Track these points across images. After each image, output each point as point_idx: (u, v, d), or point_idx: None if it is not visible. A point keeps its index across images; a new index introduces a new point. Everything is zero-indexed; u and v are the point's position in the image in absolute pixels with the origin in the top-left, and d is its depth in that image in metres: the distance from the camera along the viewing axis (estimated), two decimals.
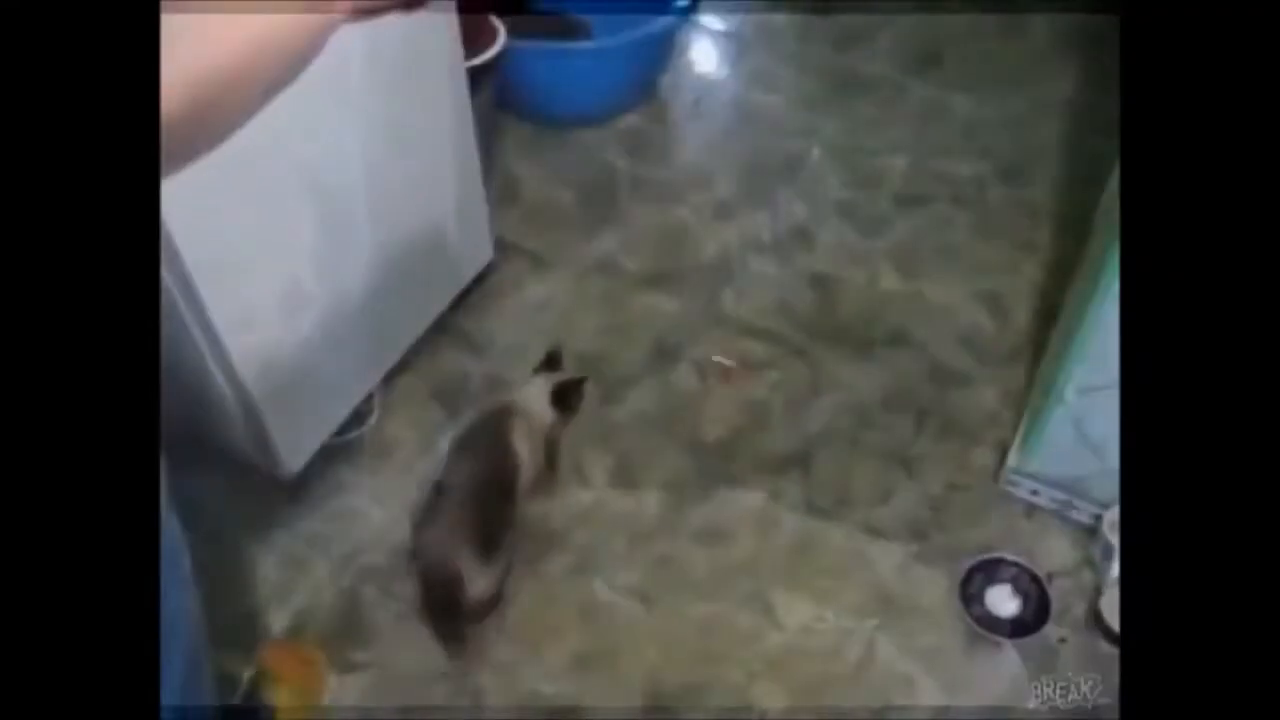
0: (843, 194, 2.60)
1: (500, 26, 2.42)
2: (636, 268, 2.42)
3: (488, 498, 1.81)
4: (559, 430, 1.97)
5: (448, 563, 1.74)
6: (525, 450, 1.88)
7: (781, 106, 2.88)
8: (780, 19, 3.19)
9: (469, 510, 1.78)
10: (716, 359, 2.26)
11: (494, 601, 1.85)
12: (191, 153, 0.67)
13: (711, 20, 3.17)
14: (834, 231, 2.50)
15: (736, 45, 3.12)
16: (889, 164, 2.67)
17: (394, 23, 1.59)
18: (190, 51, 0.64)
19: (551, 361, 2.02)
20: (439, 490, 1.82)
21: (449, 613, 1.78)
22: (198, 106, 0.64)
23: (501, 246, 2.38)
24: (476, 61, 2.28)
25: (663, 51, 2.82)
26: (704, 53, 3.09)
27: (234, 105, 0.68)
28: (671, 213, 2.54)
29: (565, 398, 1.94)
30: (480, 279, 2.33)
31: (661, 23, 2.61)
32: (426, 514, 1.82)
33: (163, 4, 0.61)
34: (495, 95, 2.58)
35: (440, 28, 1.93)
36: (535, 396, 1.94)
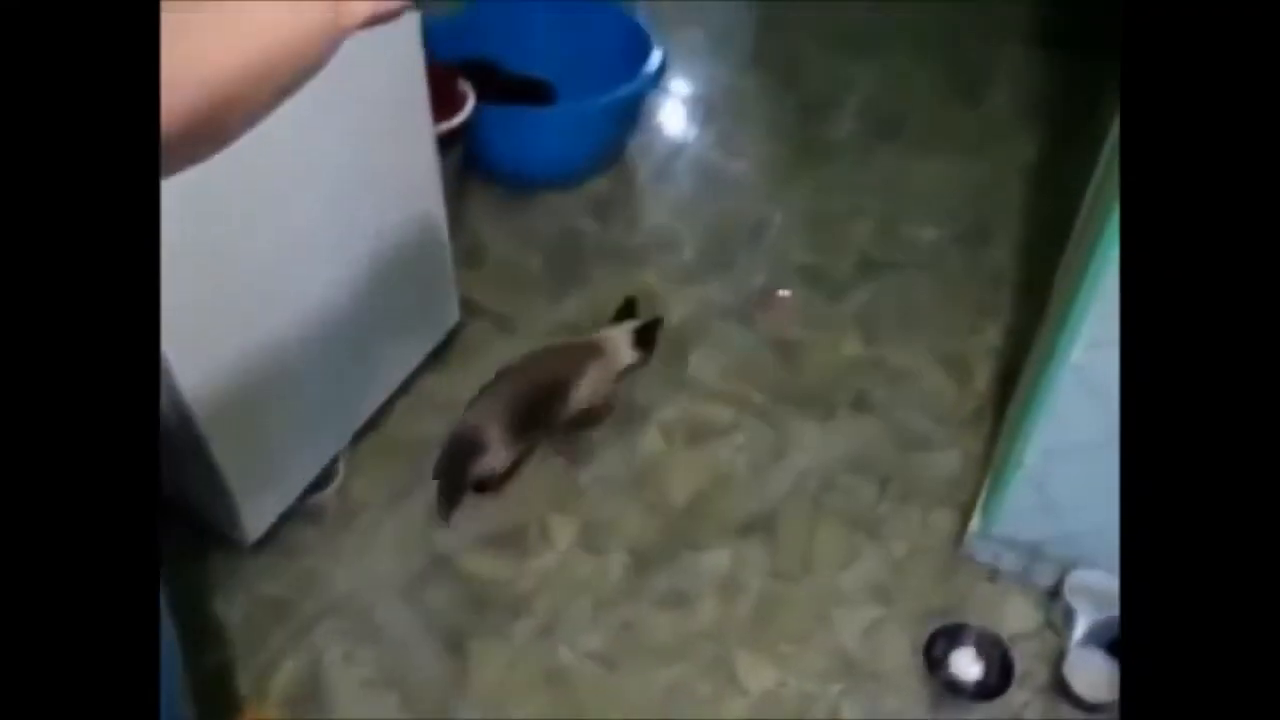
0: (807, 258, 2.63)
1: (469, 91, 2.45)
2: None
3: (536, 398, 2.08)
4: (638, 367, 2.23)
5: (478, 426, 2.02)
6: (589, 380, 2.14)
7: (747, 171, 2.92)
8: (748, 85, 3.25)
9: (515, 399, 2.06)
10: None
11: (496, 481, 2.10)
12: (195, 156, 0.69)
13: (679, 84, 3.22)
14: (798, 296, 2.53)
15: (704, 110, 3.17)
16: (853, 229, 2.71)
17: (368, 85, 1.61)
18: (204, 54, 0.65)
19: (629, 308, 2.26)
20: (501, 373, 2.11)
21: (458, 467, 2.03)
22: (209, 109, 0.65)
23: (468, 308, 2.39)
24: (446, 127, 2.31)
25: (630, 116, 2.85)
26: (672, 116, 3.13)
27: (244, 110, 0.69)
28: (637, 276, 2.56)
29: (646, 339, 2.19)
30: (447, 341, 2.34)
31: (629, 88, 2.64)
32: (484, 388, 2.09)
33: (176, 5, 0.62)
34: (463, 158, 2.61)
35: (409, 92, 1.96)
36: (620, 339, 2.19)
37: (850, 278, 2.58)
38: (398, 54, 1.89)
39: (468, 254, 2.52)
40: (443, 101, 2.31)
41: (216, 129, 0.68)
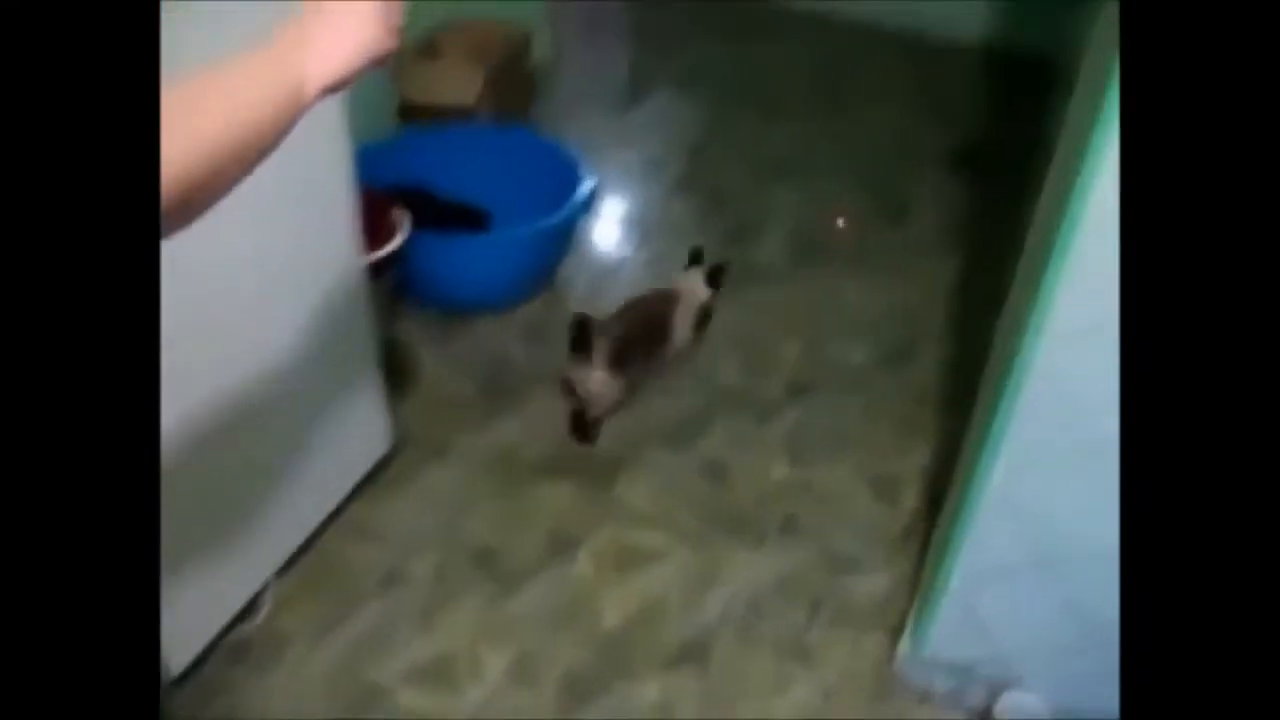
0: (736, 381, 2.67)
1: (404, 217, 2.47)
2: (534, 457, 2.44)
3: (640, 335, 2.47)
4: (711, 304, 2.64)
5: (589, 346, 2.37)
6: (678, 322, 2.57)
7: None
8: (678, 208, 3.32)
9: (623, 336, 2.41)
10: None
11: (594, 415, 2.47)
12: (167, 233, 0.72)
13: (611, 208, 3.28)
14: (728, 420, 2.56)
15: (635, 233, 3.22)
16: (781, 351, 2.76)
17: (294, 221, 1.62)
18: (184, 136, 0.71)
19: (696, 257, 2.69)
20: (609, 319, 2.47)
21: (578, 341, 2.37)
22: (186, 188, 0.71)
23: (400, 435, 2.38)
24: (379, 255, 2.33)
25: (562, 242, 2.89)
26: (604, 239, 3.18)
27: (219, 184, 0.76)
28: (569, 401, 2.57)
29: (716, 278, 2.62)
30: (378, 469, 2.33)
31: (560, 216, 2.68)
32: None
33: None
34: (396, 283, 2.62)
35: (338, 218, 1.97)
36: (695, 280, 2.62)
37: (778, 400, 2.62)
38: (327, 180, 1.91)
39: (400, 380, 2.52)
40: (377, 228, 2.34)
41: (190, 205, 0.74)
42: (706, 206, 3.31)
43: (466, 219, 2.81)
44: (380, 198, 2.45)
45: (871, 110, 3.91)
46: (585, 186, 2.72)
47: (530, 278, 2.87)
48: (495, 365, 2.68)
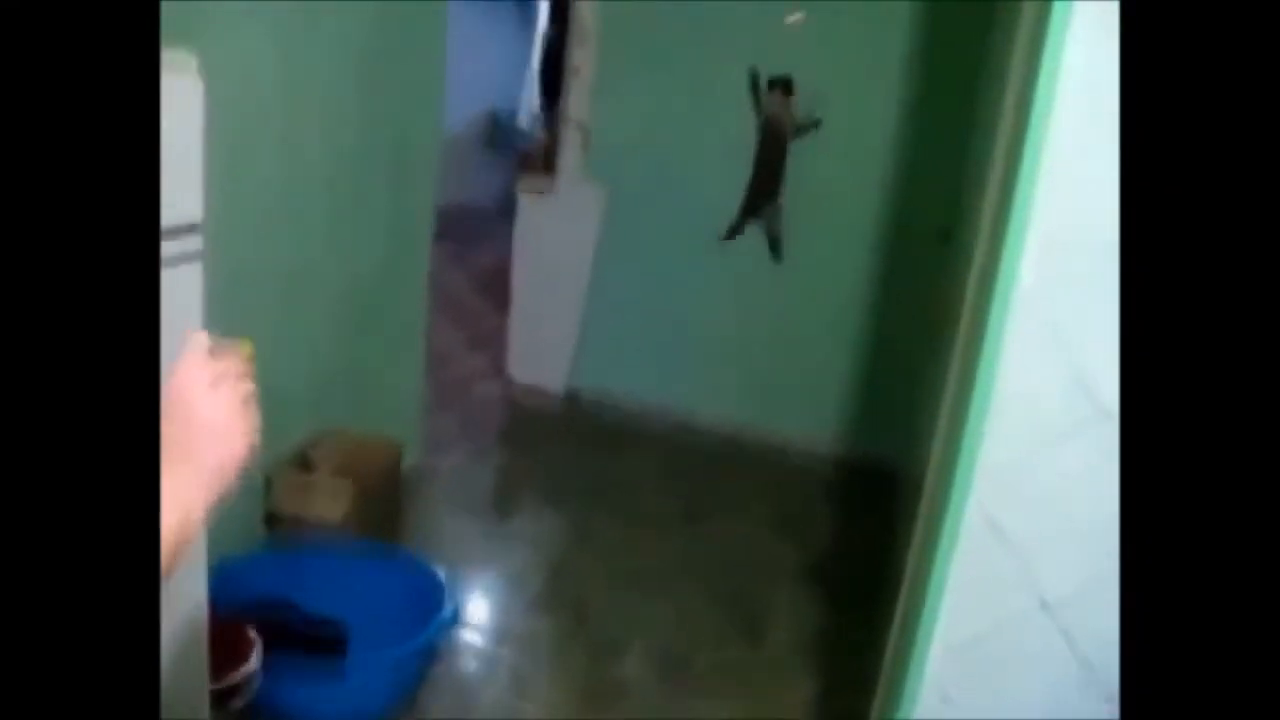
0: None
1: (255, 640, 2.44)
2: None
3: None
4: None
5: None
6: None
7: (539, 716, 2.93)
8: (540, 624, 3.34)
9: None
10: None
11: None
12: None
13: (473, 624, 3.28)
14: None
15: (497, 650, 3.21)
16: None
17: None
18: None
19: (755, 81, 4.40)
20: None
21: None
22: None
23: None
24: (230, 681, 2.28)
25: (423, 664, 2.87)
26: (465, 657, 3.16)
27: None
28: None
29: (788, 87, 4.34)
30: None
31: (420, 640, 2.68)
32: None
33: None
34: (246, 708, 2.55)
35: (185, 650, 1.95)
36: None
37: None
38: (178, 601, 1.90)
39: None
40: (230, 651, 2.31)
41: None
42: (569, 622, 3.34)
43: (324, 641, 2.78)
44: (235, 620, 2.43)
45: (729, 522, 4.08)
46: (445, 611, 2.73)
47: (389, 702, 2.81)
48: None
